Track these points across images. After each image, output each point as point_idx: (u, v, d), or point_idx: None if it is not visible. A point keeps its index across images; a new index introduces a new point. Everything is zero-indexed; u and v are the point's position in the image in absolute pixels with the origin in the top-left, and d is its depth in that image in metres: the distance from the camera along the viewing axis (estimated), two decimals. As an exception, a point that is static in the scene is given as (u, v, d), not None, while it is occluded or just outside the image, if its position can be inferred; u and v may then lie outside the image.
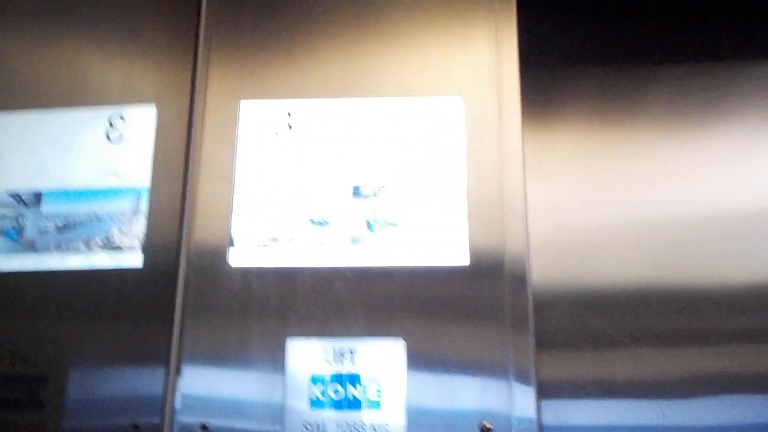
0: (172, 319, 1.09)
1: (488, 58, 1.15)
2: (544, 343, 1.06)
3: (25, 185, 1.19)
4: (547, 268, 1.12)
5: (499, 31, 1.15)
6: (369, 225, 1.11)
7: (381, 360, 1.04)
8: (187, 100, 1.20)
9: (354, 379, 1.04)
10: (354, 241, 1.10)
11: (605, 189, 1.18)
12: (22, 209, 1.17)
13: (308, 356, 1.05)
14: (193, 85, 1.20)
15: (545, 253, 1.12)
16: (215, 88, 1.19)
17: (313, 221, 1.12)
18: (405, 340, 1.05)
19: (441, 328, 1.05)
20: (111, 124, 1.20)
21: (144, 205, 1.16)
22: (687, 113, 1.21)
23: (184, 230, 1.13)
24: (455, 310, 1.05)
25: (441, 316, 1.05)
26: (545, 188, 1.16)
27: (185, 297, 1.10)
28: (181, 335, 1.08)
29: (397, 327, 1.06)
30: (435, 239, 1.09)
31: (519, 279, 1.06)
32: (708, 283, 1.14)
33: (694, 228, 1.17)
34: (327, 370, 1.05)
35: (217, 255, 1.11)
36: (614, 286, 1.13)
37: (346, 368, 1.05)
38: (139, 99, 1.21)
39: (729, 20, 1.27)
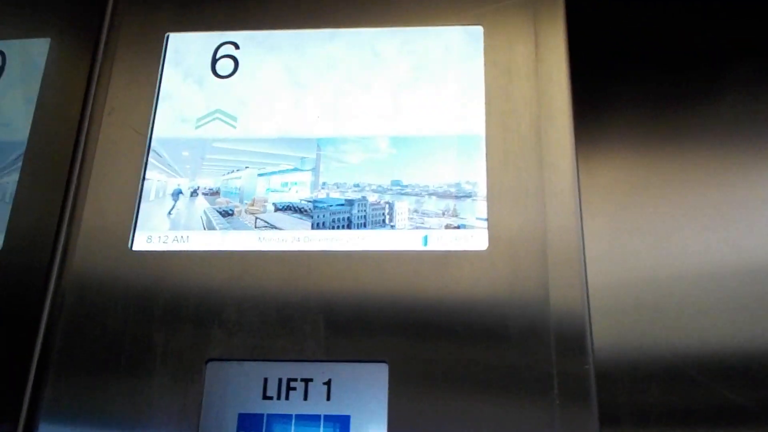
0: (38, 318, 0.71)
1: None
2: (607, 420, 0.68)
3: None
4: (606, 326, 0.75)
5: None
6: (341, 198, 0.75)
7: (352, 394, 0.66)
8: (94, 33, 0.85)
9: (309, 424, 0.66)
10: (318, 219, 0.74)
11: (671, 228, 0.82)
12: None
13: (237, 387, 0.67)
14: (102, 12, 0.86)
15: (602, 308, 0.75)
16: (134, 16, 0.85)
17: (263, 188, 0.76)
18: (389, 363, 0.67)
19: (443, 345, 0.67)
20: (-15, 62, 0.85)
21: (16, 164, 0.80)
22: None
23: (69, 198, 0.77)
24: (467, 319, 0.68)
25: (444, 330, 0.68)
26: (599, 227, 0.80)
27: (60, 291, 0.73)
28: (48, 339, 0.71)
29: (378, 345, 0.68)
30: (439, 218, 0.73)
31: (573, 341, 0.68)
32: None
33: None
34: (266, 408, 0.66)
35: (116, 237, 0.75)
36: (692, 349, 0.77)
37: (295, 407, 0.66)
38: (29, 32, 0.87)
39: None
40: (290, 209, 0.74)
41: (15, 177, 0.79)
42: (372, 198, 0.74)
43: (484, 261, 0.70)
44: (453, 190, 0.73)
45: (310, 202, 0.74)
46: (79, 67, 0.84)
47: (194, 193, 0.76)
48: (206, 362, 0.69)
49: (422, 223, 0.72)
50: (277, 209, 0.75)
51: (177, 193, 0.77)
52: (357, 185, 0.75)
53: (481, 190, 0.73)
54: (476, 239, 0.71)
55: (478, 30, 0.80)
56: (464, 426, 0.65)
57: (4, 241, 0.76)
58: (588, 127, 0.79)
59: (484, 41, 0.79)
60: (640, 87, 0.88)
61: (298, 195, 0.75)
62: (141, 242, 0.75)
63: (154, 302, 0.72)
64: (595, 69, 0.82)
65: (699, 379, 0.75)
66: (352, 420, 0.66)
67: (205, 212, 0.75)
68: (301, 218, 0.74)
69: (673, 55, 0.89)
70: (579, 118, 0.76)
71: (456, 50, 0.79)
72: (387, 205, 0.73)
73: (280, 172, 0.76)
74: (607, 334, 0.76)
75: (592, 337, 0.69)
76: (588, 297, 0.70)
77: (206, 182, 0.77)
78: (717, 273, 0.79)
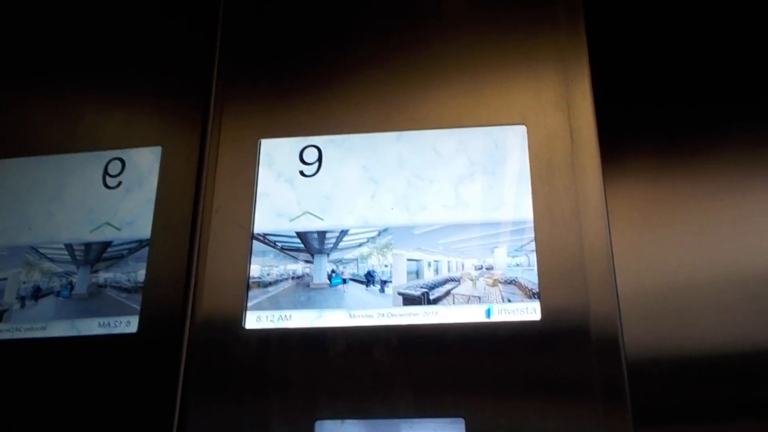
0: (173, 395, 0.87)
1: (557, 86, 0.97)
2: (642, 416, 0.83)
3: (4, 241, 1.00)
4: (637, 330, 0.89)
5: (568, 61, 0.98)
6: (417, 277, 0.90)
7: (436, 445, 0.82)
8: (198, 141, 1.01)
9: (401, 471, 0.81)
10: (398, 297, 0.89)
11: (694, 238, 0.97)
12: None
13: (342, 441, 0.83)
14: (204, 123, 1.02)
15: (633, 313, 0.90)
16: (231, 125, 1.02)
17: (348, 275, 0.91)
18: (466, 419, 0.82)
19: (511, 402, 0.82)
20: (108, 170, 1.02)
21: (143, 259, 0.96)
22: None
23: (191, 288, 0.93)
24: (528, 380, 0.83)
25: (510, 388, 0.83)
26: (628, 237, 0.94)
27: (189, 367, 0.89)
28: (183, 414, 0.86)
29: (456, 403, 0.83)
30: (499, 293, 0.88)
31: (608, 344, 0.84)
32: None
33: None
34: (366, 459, 0.82)
35: (230, 317, 0.91)
36: (718, 349, 0.91)
37: (390, 457, 0.82)
38: (143, 142, 1.03)
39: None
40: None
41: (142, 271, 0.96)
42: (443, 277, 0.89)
43: (538, 329, 0.85)
44: (510, 269, 0.88)
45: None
46: (188, 170, 1.00)
47: (290, 278, 0.92)
48: (314, 421, 0.84)
49: (485, 299, 0.87)
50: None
51: (277, 279, 0.92)
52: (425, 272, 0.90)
53: (533, 268, 0.88)
54: (531, 311, 0.86)
55: (522, 129, 0.95)
56: (532, 422, 0.81)
57: (139, 326, 0.93)
58: (619, 211, 0.93)
59: (528, 138, 0.94)
60: (664, 157, 1.02)
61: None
62: (252, 321, 0.90)
63: (267, 372, 0.88)
64: (624, 163, 0.97)
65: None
66: (437, 466, 0.81)
67: (299, 293, 0.91)
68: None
69: (695, 104, 1.02)
70: (611, 202, 0.91)
71: (504, 146, 0.94)
72: (456, 283, 0.89)
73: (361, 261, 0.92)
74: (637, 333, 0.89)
75: (623, 335, 0.83)
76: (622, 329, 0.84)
77: (298, 267, 0.93)
78: (736, 278, 0.92)
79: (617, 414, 0.81)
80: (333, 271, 0.92)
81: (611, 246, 0.88)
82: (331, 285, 0.91)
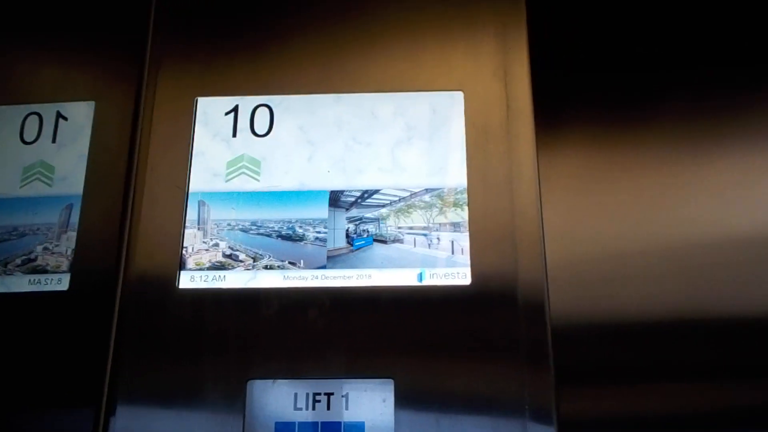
0: (105, 354, 0.87)
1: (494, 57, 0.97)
2: (564, 378, 0.86)
3: (-70, 195, 0.98)
4: (563, 296, 0.92)
5: (507, 30, 0.99)
6: (350, 239, 0.91)
7: (366, 405, 0.84)
8: (133, 97, 1.00)
9: (332, 429, 0.83)
10: (332, 258, 0.90)
11: (624, 207, 1.00)
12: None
13: (273, 400, 0.84)
14: (140, 79, 1.01)
15: (560, 279, 0.93)
16: (167, 82, 1.00)
17: (281, 235, 0.92)
18: (395, 380, 0.84)
19: (439, 364, 0.85)
20: (40, 124, 1.00)
21: (75, 217, 0.95)
22: (719, 121, 1.04)
23: (124, 246, 0.93)
24: (456, 343, 0.85)
25: (439, 350, 0.85)
26: (559, 205, 0.97)
27: (122, 326, 0.89)
28: (115, 373, 0.86)
29: (386, 364, 0.85)
30: (430, 256, 0.89)
31: (535, 307, 0.87)
32: (741, 311, 0.96)
33: (727, 251, 0.99)
34: (297, 417, 0.83)
35: (164, 276, 0.91)
36: (640, 316, 0.94)
37: (320, 415, 0.84)
38: (76, 96, 1.01)
39: (752, 21, 1.11)
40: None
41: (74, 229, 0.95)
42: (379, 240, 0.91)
43: (468, 293, 0.87)
44: (442, 233, 0.90)
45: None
46: (122, 127, 0.99)
47: (226, 237, 0.92)
48: (247, 381, 0.85)
49: (417, 263, 0.89)
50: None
51: (214, 239, 0.92)
52: (358, 234, 0.91)
53: (465, 234, 0.89)
54: (461, 276, 0.88)
55: (459, 95, 0.96)
56: (457, 382, 0.83)
57: (70, 284, 0.92)
58: (552, 180, 0.96)
59: (465, 105, 0.95)
60: (598, 127, 1.04)
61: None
62: (185, 281, 0.91)
63: (200, 332, 0.88)
64: (558, 132, 0.99)
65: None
66: (366, 425, 0.83)
67: (235, 254, 0.91)
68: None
69: (628, 73, 1.05)
70: (544, 170, 0.93)
71: (441, 112, 0.95)
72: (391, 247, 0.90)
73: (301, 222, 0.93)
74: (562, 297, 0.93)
75: (549, 299, 0.86)
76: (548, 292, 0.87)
77: (237, 229, 0.93)
78: (664, 248, 0.96)
79: (541, 375, 0.84)
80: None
81: (542, 213, 0.91)
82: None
